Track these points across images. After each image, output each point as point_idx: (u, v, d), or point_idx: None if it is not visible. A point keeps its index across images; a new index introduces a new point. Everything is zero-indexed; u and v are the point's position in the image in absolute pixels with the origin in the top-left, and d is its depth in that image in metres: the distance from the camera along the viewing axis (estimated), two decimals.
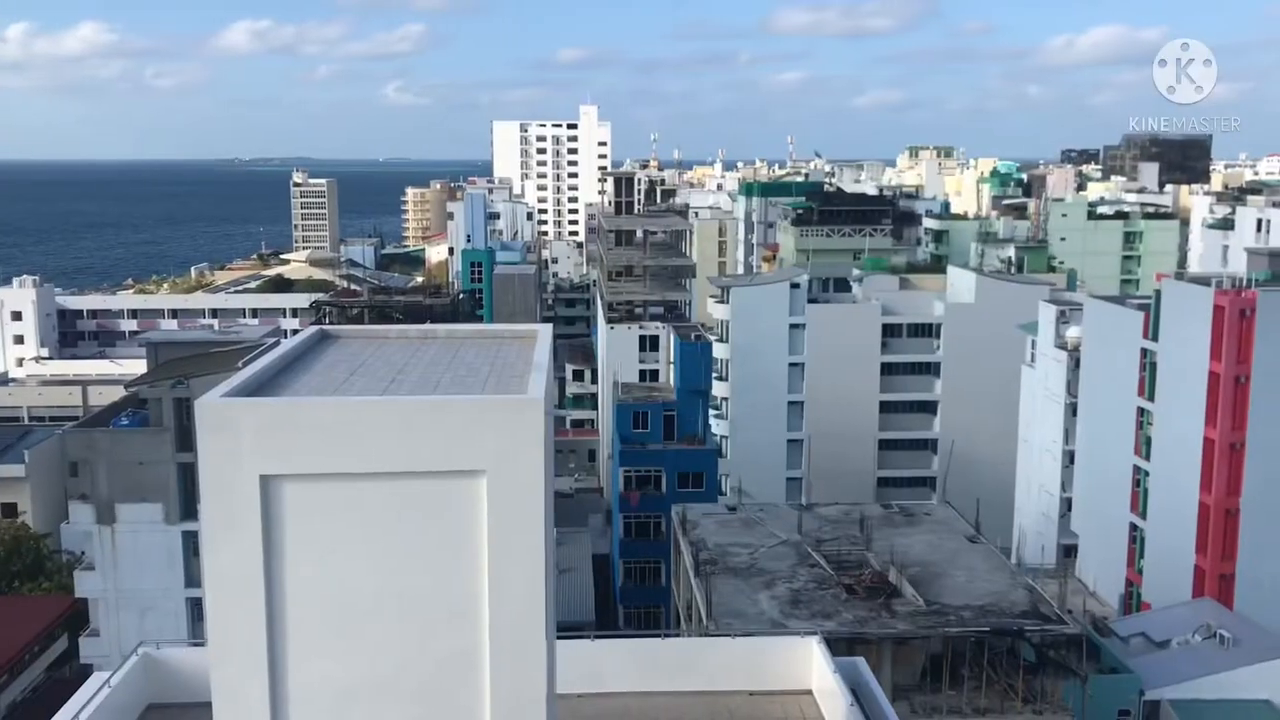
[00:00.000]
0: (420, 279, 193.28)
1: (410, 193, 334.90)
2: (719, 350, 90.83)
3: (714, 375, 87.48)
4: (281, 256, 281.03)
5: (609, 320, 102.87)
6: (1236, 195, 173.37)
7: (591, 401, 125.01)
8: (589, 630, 39.74)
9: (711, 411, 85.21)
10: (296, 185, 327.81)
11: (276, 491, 11.46)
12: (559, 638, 14.82)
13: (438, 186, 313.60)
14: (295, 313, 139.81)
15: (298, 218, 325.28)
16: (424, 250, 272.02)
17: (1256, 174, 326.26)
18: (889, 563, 46.50)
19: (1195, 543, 51.96)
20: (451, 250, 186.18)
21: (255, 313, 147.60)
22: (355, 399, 12.29)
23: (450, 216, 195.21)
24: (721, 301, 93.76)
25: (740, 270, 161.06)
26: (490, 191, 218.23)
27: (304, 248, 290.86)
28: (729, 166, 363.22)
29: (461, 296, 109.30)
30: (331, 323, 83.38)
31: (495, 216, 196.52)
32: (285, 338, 26.95)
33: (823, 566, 47.62)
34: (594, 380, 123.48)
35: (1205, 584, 51.34)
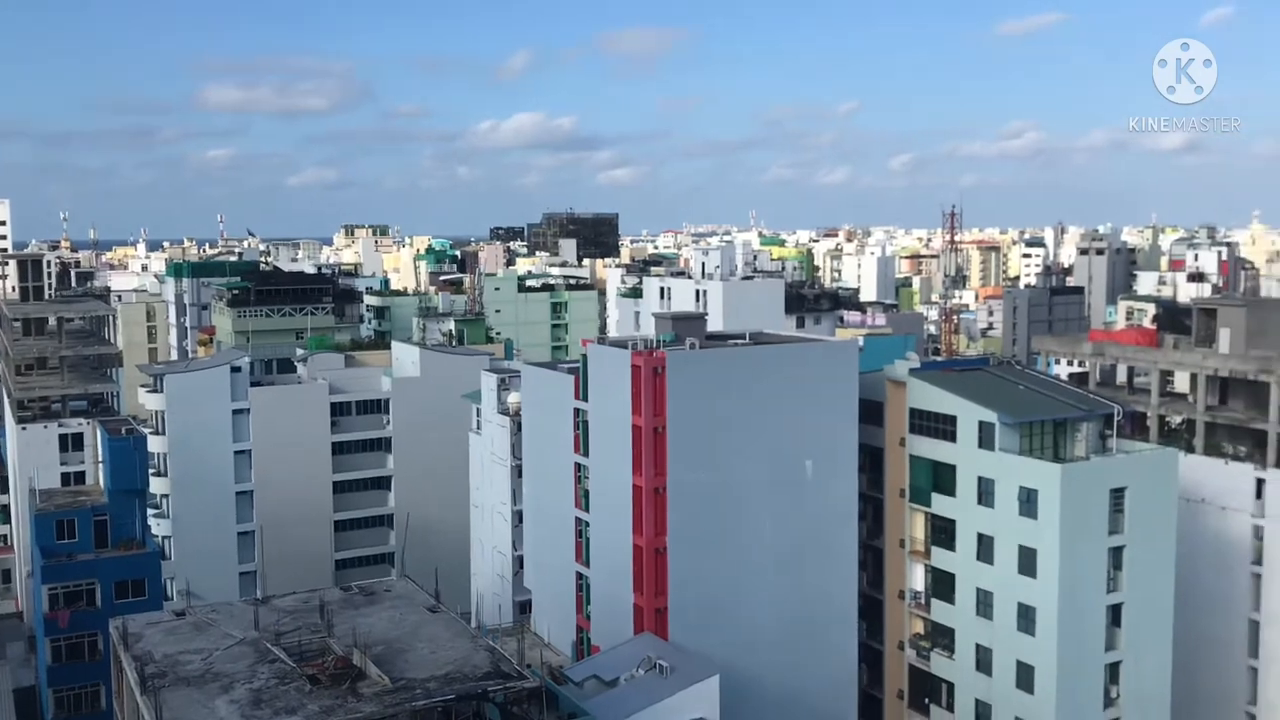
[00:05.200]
0: None
1: None
2: (155, 444, 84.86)
3: (151, 471, 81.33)
4: None
5: (20, 420, 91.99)
6: (642, 267, 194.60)
7: (3, 514, 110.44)
8: None
9: (150, 511, 78.96)
10: None
11: None
12: None
13: None
14: None
15: None
16: None
17: (656, 248, 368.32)
18: (352, 646, 45.70)
19: (633, 583, 56.73)
20: None
21: None
22: None
23: None
24: (155, 391, 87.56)
25: (174, 356, 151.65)
26: None
27: None
28: (154, 246, 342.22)
29: None
30: None
31: None
32: None
33: (284, 660, 45.68)
34: (4, 489, 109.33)
35: (644, 620, 56.12)
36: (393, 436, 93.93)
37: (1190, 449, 69.21)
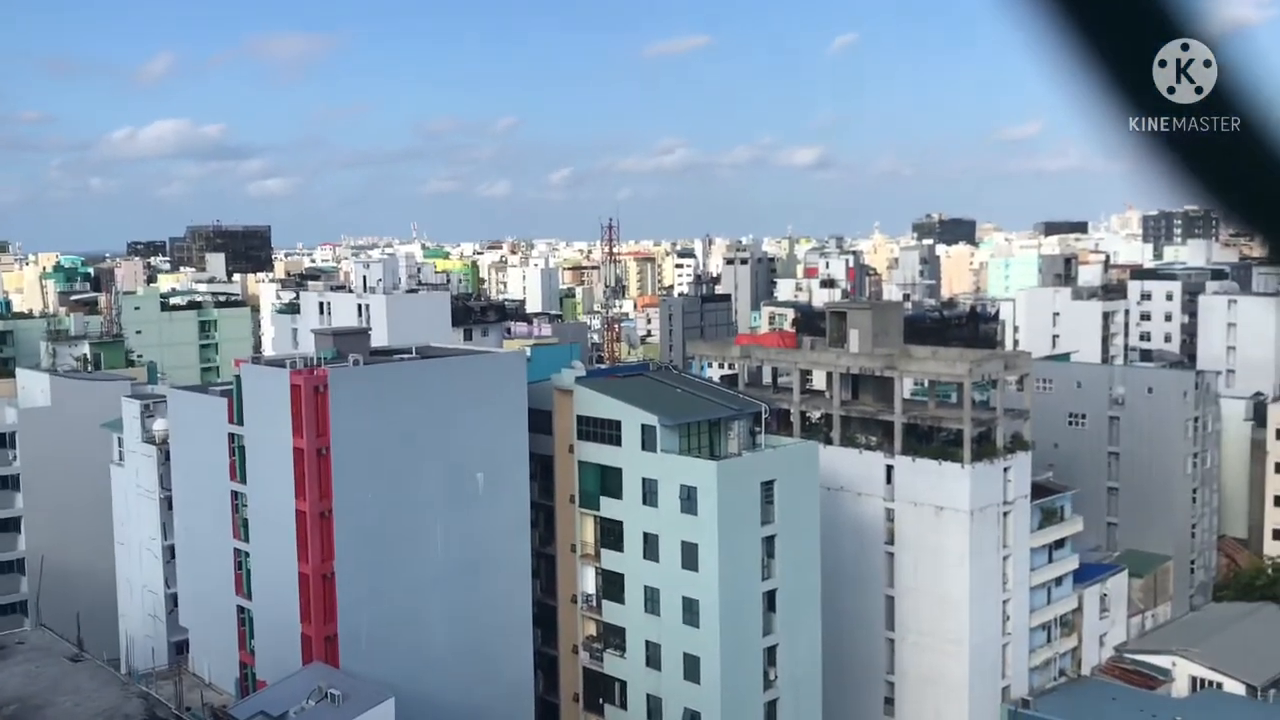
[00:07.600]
0: None
1: None
2: None
3: None
4: None
5: None
6: (299, 281, 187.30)
7: None
8: None
9: None
10: None
11: None
12: None
13: None
14: None
15: None
16: None
17: (314, 261, 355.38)
18: None
19: (300, 613, 54.42)
20: None
21: None
22: None
23: None
24: None
25: None
26: None
27: None
28: None
29: None
30: None
31: None
32: None
33: None
34: None
35: (313, 650, 53.97)
36: (21, 473, 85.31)
37: (829, 441, 75.11)
